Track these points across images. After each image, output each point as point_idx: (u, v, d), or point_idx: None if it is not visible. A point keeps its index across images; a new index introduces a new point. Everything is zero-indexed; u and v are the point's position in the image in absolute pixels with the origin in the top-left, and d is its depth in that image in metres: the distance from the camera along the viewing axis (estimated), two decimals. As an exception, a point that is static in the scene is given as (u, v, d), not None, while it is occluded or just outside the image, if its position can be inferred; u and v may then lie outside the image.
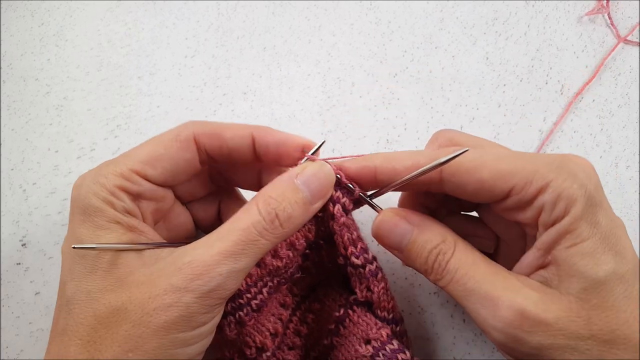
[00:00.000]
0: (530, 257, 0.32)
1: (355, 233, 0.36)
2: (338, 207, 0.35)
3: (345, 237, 0.35)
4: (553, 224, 0.31)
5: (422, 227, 0.34)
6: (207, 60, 0.56)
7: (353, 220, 0.37)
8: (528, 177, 0.31)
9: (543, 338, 0.29)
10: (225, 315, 0.34)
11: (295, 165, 0.36)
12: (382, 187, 0.35)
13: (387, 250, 0.36)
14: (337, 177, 0.35)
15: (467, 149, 0.31)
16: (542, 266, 0.32)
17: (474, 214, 0.40)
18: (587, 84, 0.54)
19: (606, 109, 0.54)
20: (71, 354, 0.30)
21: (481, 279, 0.31)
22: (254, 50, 0.57)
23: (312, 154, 0.36)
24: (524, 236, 0.35)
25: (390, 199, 0.40)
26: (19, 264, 0.47)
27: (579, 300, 0.29)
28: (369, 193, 0.37)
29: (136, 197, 0.34)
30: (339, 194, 0.35)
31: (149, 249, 0.33)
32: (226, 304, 0.33)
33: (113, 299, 0.30)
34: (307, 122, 0.53)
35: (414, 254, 0.34)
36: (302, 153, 0.36)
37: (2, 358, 0.44)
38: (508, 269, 0.33)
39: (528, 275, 0.32)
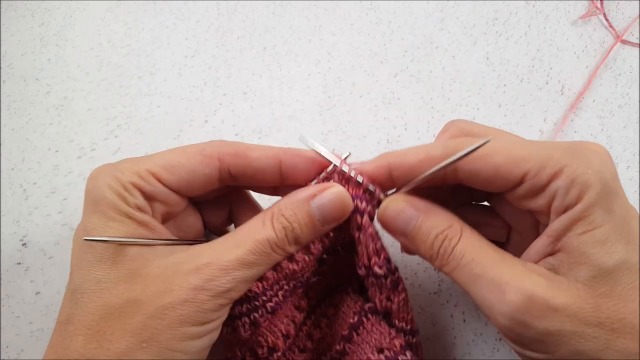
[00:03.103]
0: (539, 244, 0.32)
1: (379, 242, 0.35)
2: (366, 219, 0.34)
3: (371, 248, 0.35)
4: (565, 210, 0.30)
5: (428, 213, 0.34)
6: (207, 60, 0.56)
7: (375, 229, 0.36)
8: (542, 163, 0.30)
9: (551, 324, 0.29)
10: (240, 317, 0.35)
11: (313, 179, 0.36)
12: (399, 185, 0.35)
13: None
14: (358, 181, 0.34)
15: (489, 138, 0.30)
16: (551, 253, 0.31)
17: (486, 204, 0.40)
18: (588, 85, 0.54)
19: (606, 109, 0.54)
20: (78, 344, 0.30)
21: (488, 265, 0.31)
22: (254, 50, 0.57)
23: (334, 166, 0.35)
24: (537, 226, 0.35)
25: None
26: (19, 263, 0.47)
27: (587, 288, 0.29)
28: (388, 193, 0.36)
29: (149, 197, 0.34)
30: (364, 205, 0.35)
31: (160, 245, 0.33)
32: (242, 306, 0.35)
33: (126, 290, 0.31)
34: (307, 122, 0.53)
35: (419, 239, 0.33)
36: (325, 170, 0.35)
37: (2, 358, 0.44)
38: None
39: (536, 262, 0.32)
